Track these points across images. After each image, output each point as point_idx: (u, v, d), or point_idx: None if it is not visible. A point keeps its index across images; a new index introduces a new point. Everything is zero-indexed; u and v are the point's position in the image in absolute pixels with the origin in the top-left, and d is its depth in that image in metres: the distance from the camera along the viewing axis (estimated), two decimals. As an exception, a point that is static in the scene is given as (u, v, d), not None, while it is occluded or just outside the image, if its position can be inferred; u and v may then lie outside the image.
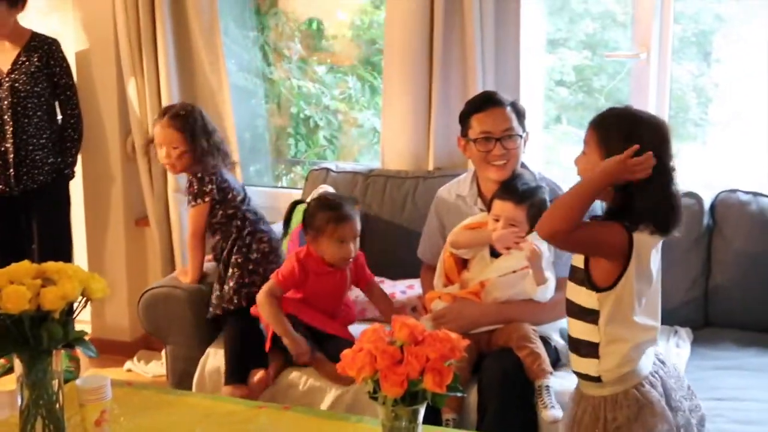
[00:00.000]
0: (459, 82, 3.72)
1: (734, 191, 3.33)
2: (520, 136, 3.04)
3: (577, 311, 2.26)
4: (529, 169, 3.13)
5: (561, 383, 2.80)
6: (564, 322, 3.05)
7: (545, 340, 2.94)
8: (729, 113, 3.89)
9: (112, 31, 4.20)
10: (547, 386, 2.77)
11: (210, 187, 3.31)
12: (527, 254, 2.85)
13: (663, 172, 2.16)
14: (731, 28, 3.90)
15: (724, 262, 3.27)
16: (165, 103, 4.08)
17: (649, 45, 3.58)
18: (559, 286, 2.98)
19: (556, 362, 2.93)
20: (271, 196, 4.30)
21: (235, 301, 3.25)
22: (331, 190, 3.72)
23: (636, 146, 2.10)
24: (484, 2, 3.58)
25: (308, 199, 3.51)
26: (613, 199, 2.21)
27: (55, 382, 2.31)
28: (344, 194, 3.68)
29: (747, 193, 3.31)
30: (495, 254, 3.00)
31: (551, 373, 2.81)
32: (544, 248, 2.91)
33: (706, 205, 3.32)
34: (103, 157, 4.37)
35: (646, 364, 2.25)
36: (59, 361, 2.33)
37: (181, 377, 3.27)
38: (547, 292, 2.96)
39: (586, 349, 2.25)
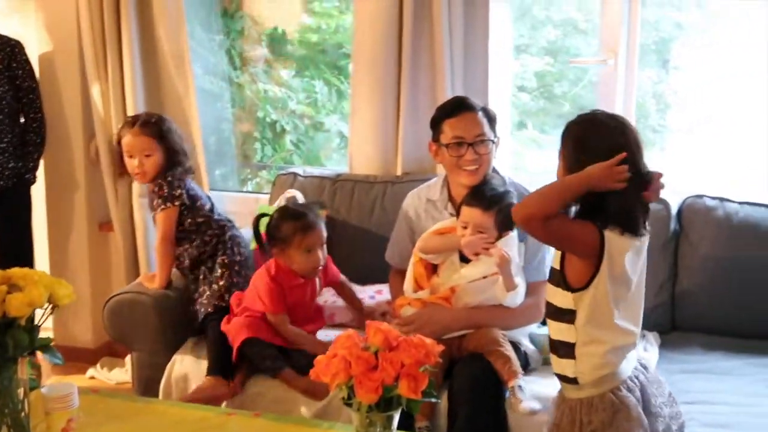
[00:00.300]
0: (428, 87, 3.71)
1: (700, 197, 3.36)
2: (492, 141, 3.04)
3: (554, 312, 2.28)
4: (499, 174, 3.13)
5: (531, 387, 2.80)
6: (533, 327, 3.09)
7: (515, 345, 2.94)
8: (688, 120, 3.92)
9: (75, 34, 4.14)
10: (520, 385, 2.77)
11: (179, 191, 3.29)
12: (496, 260, 2.85)
13: (635, 175, 2.17)
14: (690, 36, 3.94)
15: (691, 267, 3.29)
16: (130, 106, 4.04)
17: (617, 51, 3.60)
18: (530, 291, 3.00)
19: (526, 367, 2.93)
20: (237, 200, 4.26)
21: (226, 298, 3.23)
22: (298, 194, 3.71)
23: (623, 154, 2.13)
24: (453, 7, 3.58)
25: (274, 207, 3.49)
26: (585, 198, 2.20)
27: (21, 390, 2.27)
28: (310, 199, 3.69)
29: (713, 198, 3.34)
30: (465, 259, 3.00)
31: (522, 374, 2.81)
32: (514, 254, 2.92)
33: (674, 210, 3.35)
34: (66, 161, 4.30)
35: (626, 368, 2.26)
36: (24, 368, 2.29)
37: (147, 384, 3.22)
38: (517, 298, 2.96)
39: (563, 349, 2.27)
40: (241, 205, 4.17)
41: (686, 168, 3.76)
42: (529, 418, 2.69)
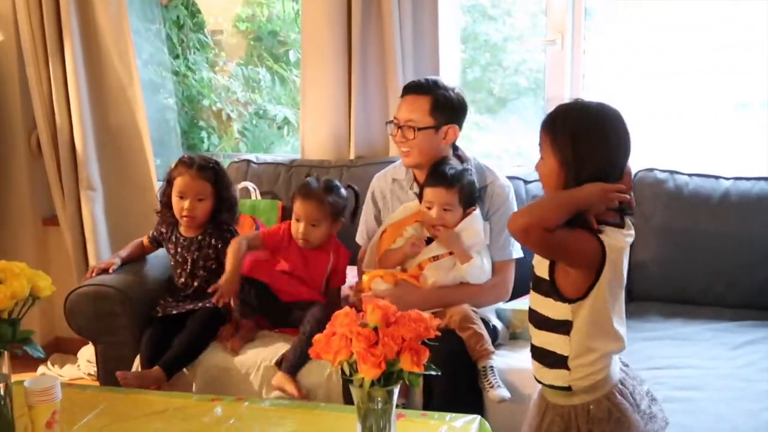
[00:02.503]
0: (378, 71, 3.74)
1: (651, 170, 3.46)
2: (419, 129, 3.04)
3: (543, 322, 2.14)
4: (463, 156, 3.17)
5: (503, 362, 2.89)
6: (500, 303, 3.15)
7: (485, 322, 2.99)
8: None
9: (12, 23, 4.03)
10: (491, 366, 2.83)
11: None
12: (440, 236, 2.97)
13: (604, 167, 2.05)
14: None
15: (644, 238, 3.37)
16: (73, 97, 3.97)
17: (563, 31, 3.67)
18: (497, 269, 3.06)
19: (494, 341, 2.98)
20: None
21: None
22: (250, 185, 3.72)
23: (621, 186, 2.06)
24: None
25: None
26: None
27: (2, 385, 2.23)
28: (265, 188, 3.73)
29: (663, 171, 3.44)
30: (429, 240, 3.05)
31: (494, 353, 2.87)
32: (479, 230, 2.97)
33: (627, 183, 3.43)
34: (5, 154, 4.20)
35: (615, 370, 2.17)
36: (6, 362, 2.25)
37: (114, 378, 3.16)
38: (482, 275, 3.02)
39: (553, 359, 2.13)
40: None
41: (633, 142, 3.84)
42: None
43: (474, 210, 3.02)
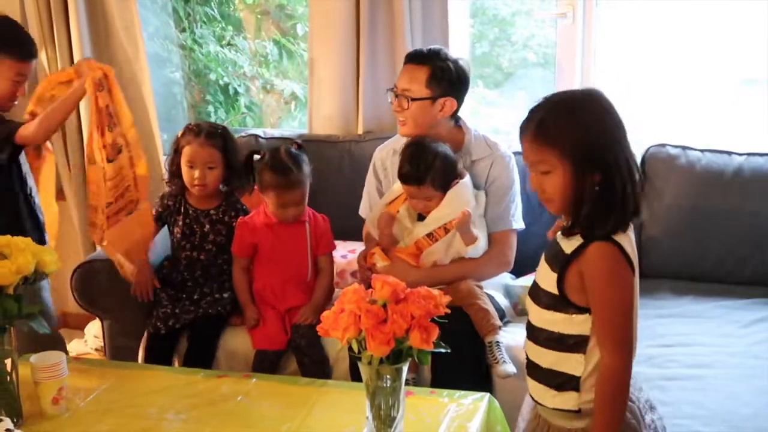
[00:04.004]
0: (387, 46, 3.69)
1: (663, 145, 3.42)
2: (417, 100, 2.99)
3: (556, 341, 1.94)
4: (465, 127, 3.13)
5: (510, 337, 2.87)
6: (507, 279, 3.13)
7: (491, 298, 2.97)
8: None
9: (18, 2, 3.99)
10: (498, 342, 2.81)
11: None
12: (455, 224, 2.90)
13: (623, 164, 1.88)
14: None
15: (657, 214, 3.35)
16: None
17: (575, 3, 3.63)
18: (497, 240, 3.04)
19: (501, 319, 2.96)
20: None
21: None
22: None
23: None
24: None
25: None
26: (575, 212, 1.89)
27: (8, 361, 2.22)
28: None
29: (675, 147, 3.40)
30: (422, 218, 3.02)
31: (500, 328, 2.85)
32: (469, 199, 2.94)
33: (637, 159, 3.39)
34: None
35: None
36: (13, 338, 2.24)
37: (121, 352, 3.16)
38: (479, 249, 2.99)
39: (562, 380, 1.94)
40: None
41: (645, 117, 3.81)
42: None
43: (458, 181, 2.97)
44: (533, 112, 1.92)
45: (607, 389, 1.88)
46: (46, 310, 3.16)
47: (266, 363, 2.95)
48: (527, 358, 2.03)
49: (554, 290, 1.92)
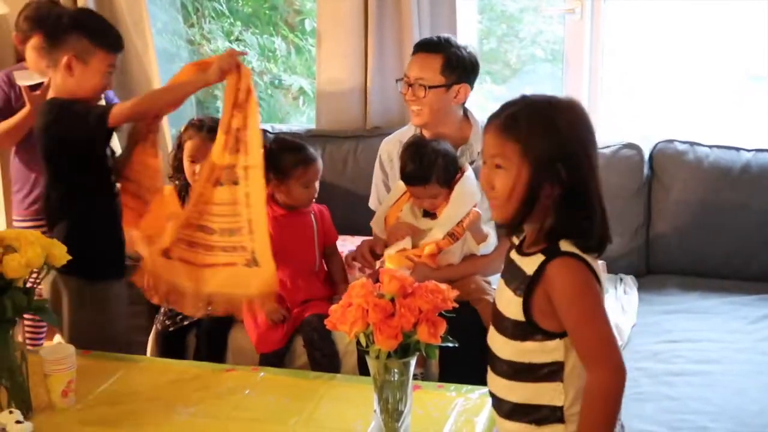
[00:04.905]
0: (395, 41, 3.70)
1: (671, 141, 3.42)
2: (429, 87, 2.99)
3: (527, 372, 1.76)
4: (472, 118, 3.14)
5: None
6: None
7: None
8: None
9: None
10: None
11: None
12: (467, 224, 2.89)
13: (591, 184, 1.73)
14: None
15: (664, 210, 3.36)
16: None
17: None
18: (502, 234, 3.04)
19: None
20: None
21: None
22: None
23: None
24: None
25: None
26: (516, 221, 1.78)
27: (18, 353, 2.23)
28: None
29: (683, 142, 3.41)
30: (427, 214, 3.00)
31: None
32: (475, 191, 2.91)
33: (646, 155, 3.40)
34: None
35: None
36: (22, 330, 2.25)
37: (130, 348, 3.16)
38: (490, 246, 3.00)
39: (543, 414, 1.76)
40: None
41: (653, 113, 3.82)
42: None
43: (461, 175, 2.95)
44: (507, 105, 1.78)
45: (601, 408, 1.69)
46: None
47: (274, 361, 2.96)
48: (493, 396, 1.85)
49: (520, 317, 1.74)
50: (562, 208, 1.70)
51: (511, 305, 1.76)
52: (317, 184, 3.08)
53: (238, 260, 2.57)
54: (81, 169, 2.76)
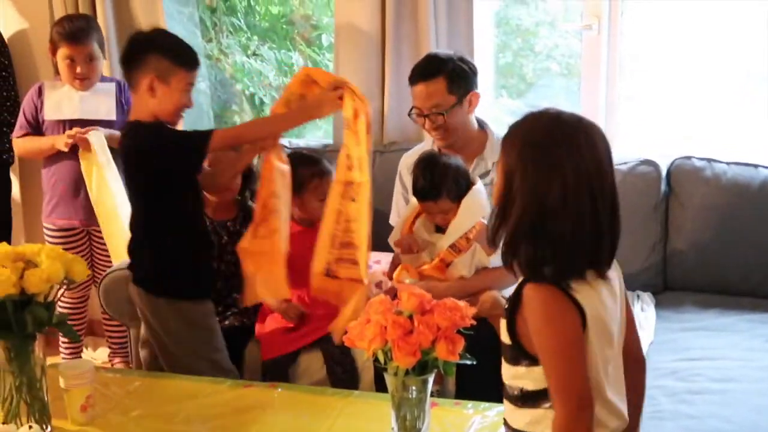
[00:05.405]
0: (412, 55, 3.67)
1: (689, 158, 3.41)
2: (450, 109, 3.03)
3: (523, 398, 1.76)
4: (487, 129, 3.14)
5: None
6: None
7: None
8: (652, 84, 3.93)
9: (47, 11, 4.04)
10: None
11: None
12: (473, 237, 2.90)
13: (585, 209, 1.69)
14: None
15: (682, 227, 3.35)
16: (107, 81, 3.97)
17: (600, 15, 3.62)
18: None
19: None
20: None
21: None
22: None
23: None
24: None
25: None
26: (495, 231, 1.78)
27: (38, 367, 2.24)
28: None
29: (701, 159, 3.39)
30: (440, 229, 3.02)
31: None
32: (485, 203, 2.92)
33: (663, 172, 3.39)
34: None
35: None
36: (42, 345, 2.26)
37: (147, 363, 3.17)
38: (498, 258, 2.99)
39: None
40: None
41: (670, 129, 3.80)
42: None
43: (474, 187, 2.95)
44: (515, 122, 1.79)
45: None
46: None
47: (278, 368, 2.97)
48: (504, 419, 1.86)
49: (508, 339, 1.77)
50: (526, 233, 1.70)
51: (503, 326, 1.79)
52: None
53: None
54: (172, 189, 2.75)
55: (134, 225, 2.85)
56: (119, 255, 3.46)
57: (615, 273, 1.79)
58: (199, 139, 2.68)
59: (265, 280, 2.79)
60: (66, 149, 3.55)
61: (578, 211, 1.67)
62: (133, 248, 2.87)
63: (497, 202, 1.76)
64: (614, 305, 1.76)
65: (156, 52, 2.71)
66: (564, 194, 1.66)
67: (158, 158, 2.69)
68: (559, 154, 1.68)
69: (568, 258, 1.68)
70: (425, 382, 1.99)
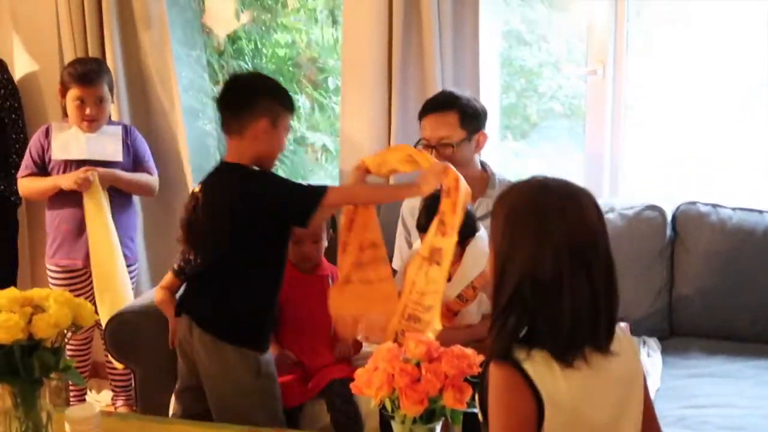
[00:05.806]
0: (418, 98, 3.66)
1: (694, 203, 3.42)
2: (460, 143, 3.06)
3: None
4: (489, 171, 3.16)
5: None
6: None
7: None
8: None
9: (57, 52, 4.07)
10: None
11: None
12: (478, 286, 2.90)
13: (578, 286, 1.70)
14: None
15: (687, 272, 3.35)
16: (116, 122, 4.00)
17: (605, 60, 3.65)
18: None
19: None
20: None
21: None
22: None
23: None
24: (443, 18, 3.58)
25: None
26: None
27: (44, 413, 2.23)
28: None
29: (706, 204, 3.41)
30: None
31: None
32: (485, 250, 2.91)
33: (668, 216, 3.40)
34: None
35: None
36: (48, 391, 2.26)
37: (156, 406, 3.15)
38: None
39: None
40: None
41: (675, 174, 3.82)
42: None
43: (477, 233, 2.95)
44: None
45: None
46: None
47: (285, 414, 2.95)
48: None
49: (481, 416, 1.80)
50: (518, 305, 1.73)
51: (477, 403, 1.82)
52: (325, 242, 3.10)
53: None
54: (272, 239, 2.73)
55: (216, 269, 2.78)
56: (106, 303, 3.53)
57: (623, 363, 1.75)
58: (314, 193, 2.65)
59: (376, 321, 2.73)
60: (75, 187, 3.55)
61: (573, 282, 1.67)
62: (206, 293, 2.79)
63: (492, 273, 1.78)
64: (609, 394, 1.73)
65: (267, 95, 2.71)
66: (557, 262, 1.67)
67: (272, 206, 2.64)
68: (547, 221, 1.69)
69: (564, 335, 1.68)
70: (432, 430, 1.98)
